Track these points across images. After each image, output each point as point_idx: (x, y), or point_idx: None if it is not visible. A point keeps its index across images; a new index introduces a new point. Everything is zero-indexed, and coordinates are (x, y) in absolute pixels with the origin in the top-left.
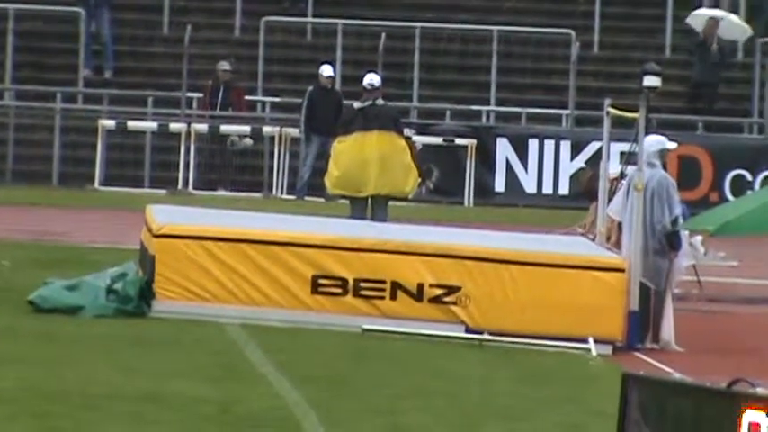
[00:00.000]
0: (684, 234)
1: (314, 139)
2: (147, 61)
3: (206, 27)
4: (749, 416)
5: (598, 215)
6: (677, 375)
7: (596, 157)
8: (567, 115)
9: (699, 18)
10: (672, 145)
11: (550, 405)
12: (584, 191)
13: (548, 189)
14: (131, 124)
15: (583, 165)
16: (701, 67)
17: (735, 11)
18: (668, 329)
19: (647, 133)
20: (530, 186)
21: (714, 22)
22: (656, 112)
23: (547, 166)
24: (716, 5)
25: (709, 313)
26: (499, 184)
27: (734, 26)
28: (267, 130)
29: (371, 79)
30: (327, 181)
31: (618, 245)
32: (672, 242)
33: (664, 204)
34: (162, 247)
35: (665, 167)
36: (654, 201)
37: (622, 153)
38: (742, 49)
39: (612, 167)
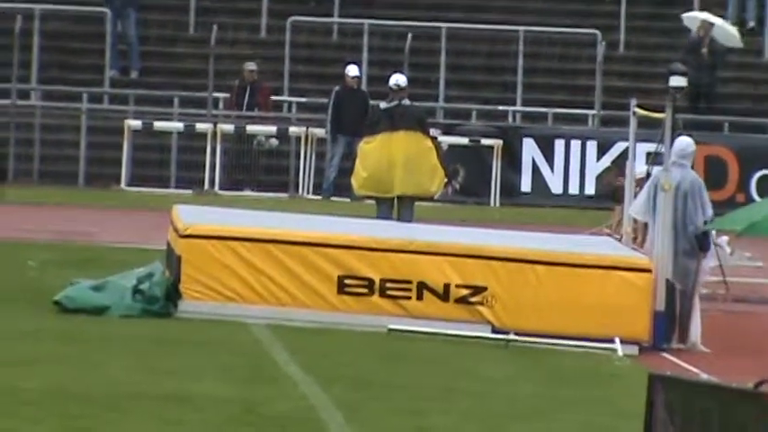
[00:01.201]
0: (711, 234)
1: (340, 139)
2: (174, 61)
3: (232, 27)
4: None
5: (624, 215)
6: (704, 376)
7: (622, 157)
8: (593, 115)
9: (693, 20)
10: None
11: (577, 405)
12: (610, 192)
13: (574, 189)
14: (158, 124)
15: (609, 165)
16: (692, 69)
17: (762, 16)
18: (695, 330)
19: (673, 134)
20: (556, 187)
21: (707, 25)
22: (682, 113)
23: (573, 166)
24: (742, 11)
25: (735, 314)
26: (525, 185)
27: (727, 34)
28: (293, 130)
29: (397, 79)
30: (355, 181)
31: (644, 245)
32: (702, 243)
33: (697, 205)
34: (188, 247)
35: (691, 167)
36: (687, 202)
37: (648, 153)
38: (767, 49)
39: (638, 168)
